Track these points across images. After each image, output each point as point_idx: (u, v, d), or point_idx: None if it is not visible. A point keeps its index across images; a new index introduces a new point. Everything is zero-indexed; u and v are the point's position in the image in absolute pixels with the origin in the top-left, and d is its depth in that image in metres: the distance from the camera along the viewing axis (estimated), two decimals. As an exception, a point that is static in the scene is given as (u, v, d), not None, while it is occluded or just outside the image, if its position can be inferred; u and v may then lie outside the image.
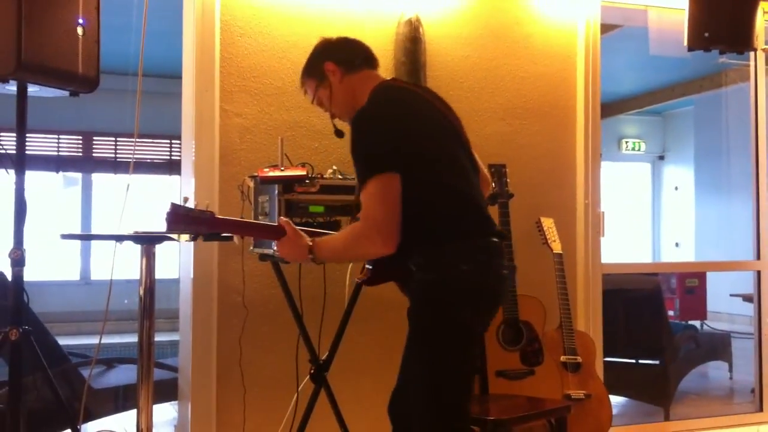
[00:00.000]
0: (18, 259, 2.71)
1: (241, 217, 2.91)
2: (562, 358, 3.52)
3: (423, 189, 2.21)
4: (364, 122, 2.29)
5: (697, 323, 8.58)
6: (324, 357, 3.10)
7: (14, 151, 2.74)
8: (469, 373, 2.34)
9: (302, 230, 2.37)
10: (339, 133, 2.68)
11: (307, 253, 2.31)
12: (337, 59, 2.52)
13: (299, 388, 3.25)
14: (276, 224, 2.42)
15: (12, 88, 2.70)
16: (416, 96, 2.44)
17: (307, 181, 2.88)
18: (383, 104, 2.34)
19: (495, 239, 2.33)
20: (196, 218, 2.25)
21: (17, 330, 2.68)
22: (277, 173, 2.87)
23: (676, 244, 11.87)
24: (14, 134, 2.75)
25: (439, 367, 2.24)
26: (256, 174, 2.93)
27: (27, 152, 2.79)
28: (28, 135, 2.80)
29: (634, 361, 5.28)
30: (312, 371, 3.08)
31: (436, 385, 2.24)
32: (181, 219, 2.23)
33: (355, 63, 2.52)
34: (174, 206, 2.23)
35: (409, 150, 2.24)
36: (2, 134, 2.88)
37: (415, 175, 2.20)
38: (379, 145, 2.24)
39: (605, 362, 4.12)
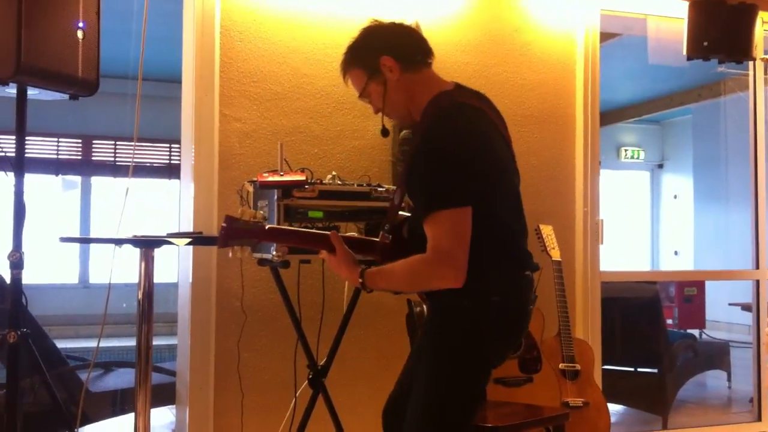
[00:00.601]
0: (17, 262, 2.70)
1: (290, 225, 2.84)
2: (561, 365, 3.52)
3: (477, 221, 2.10)
4: (437, 151, 2.12)
5: (695, 332, 8.59)
6: (322, 362, 3.10)
7: (14, 154, 2.74)
8: (476, 403, 2.28)
9: (350, 237, 2.32)
10: (385, 132, 2.50)
11: (357, 278, 2.22)
12: (396, 54, 2.26)
13: (297, 393, 3.25)
14: (321, 233, 2.33)
15: (12, 90, 2.70)
16: (485, 120, 2.27)
17: (306, 186, 2.87)
18: (456, 133, 2.14)
19: (529, 272, 2.29)
20: (251, 230, 2.18)
21: (15, 333, 2.68)
22: (277, 178, 2.86)
23: (675, 253, 11.87)
24: (14, 137, 2.75)
25: (449, 389, 2.21)
26: (255, 179, 2.93)
27: (26, 155, 2.79)
28: (27, 138, 2.80)
29: (632, 369, 5.28)
30: (310, 376, 3.08)
31: (441, 404, 2.21)
32: (237, 232, 2.16)
33: (416, 59, 2.29)
34: (229, 219, 2.15)
35: (477, 184, 2.12)
36: (2, 137, 2.88)
37: (475, 207, 2.10)
38: (452, 178, 2.09)
39: (603, 370, 4.12)
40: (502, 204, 2.23)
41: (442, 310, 2.28)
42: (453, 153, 2.11)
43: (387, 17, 3.45)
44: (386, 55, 2.26)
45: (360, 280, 2.22)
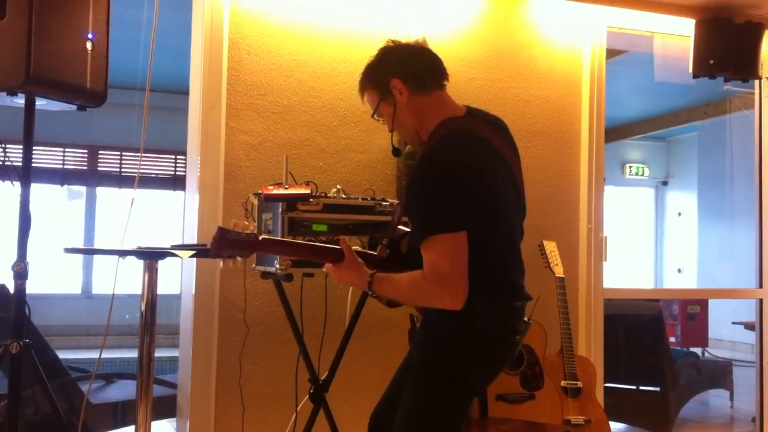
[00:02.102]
0: (21, 272, 2.70)
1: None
2: (563, 382, 3.50)
3: (471, 249, 2.12)
4: (434, 176, 2.16)
5: (698, 350, 8.56)
6: (324, 377, 3.09)
7: (20, 164, 2.75)
8: (453, 423, 2.28)
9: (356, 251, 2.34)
10: (395, 152, 2.55)
11: (366, 282, 2.25)
12: (405, 76, 2.30)
13: (298, 408, 3.24)
14: (328, 246, 2.37)
15: (20, 101, 2.71)
16: (486, 151, 2.27)
17: (310, 199, 2.88)
18: (452, 162, 2.17)
19: (519, 303, 2.31)
20: (243, 241, 2.19)
21: (18, 343, 2.68)
22: (281, 191, 2.87)
23: (679, 270, 11.85)
24: (21, 146, 2.76)
25: (426, 408, 2.25)
26: (260, 191, 2.94)
27: (32, 165, 2.80)
28: (34, 147, 2.81)
29: (634, 387, 5.26)
30: (311, 390, 3.08)
31: (418, 421, 2.26)
32: (229, 243, 2.17)
33: (426, 83, 2.32)
34: (222, 230, 2.16)
35: (472, 214, 2.14)
36: (9, 146, 2.89)
37: (469, 235, 2.12)
38: (449, 203, 2.13)
39: (606, 388, 4.10)
40: (494, 235, 2.23)
41: (428, 328, 2.33)
42: (448, 181, 2.14)
43: (394, 32, 3.47)
44: (396, 77, 2.30)
45: (369, 280, 2.25)
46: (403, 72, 2.32)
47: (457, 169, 2.16)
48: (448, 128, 2.27)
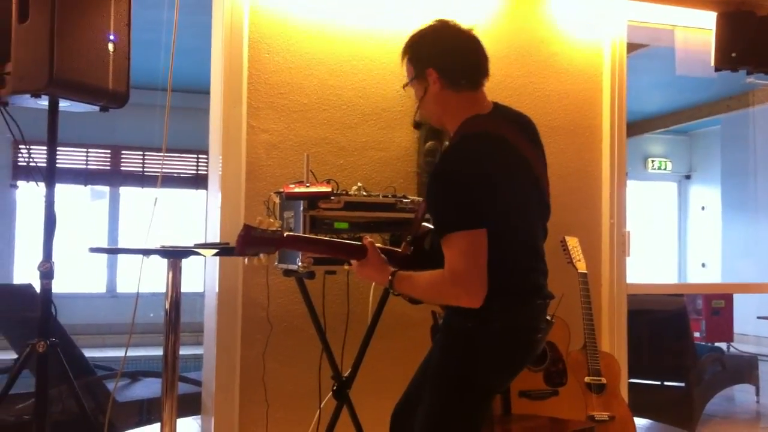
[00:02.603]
0: (47, 272, 2.73)
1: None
2: (587, 378, 3.49)
3: (490, 248, 2.12)
4: (454, 174, 2.18)
5: (723, 345, 8.50)
6: (347, 374, 3.10)
7: (45, 165, 2.78)
8: (473, 423, 2.28)
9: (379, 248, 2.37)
10: (417, 125, 2.57)
11: (387, 280, 2.28)
12: (442, 70, 2.32)
13: (321, 405, 3.25)
14: (352, 243, 2.39)
15: (44, 102, 2.74)
16: (507, 147, 2.29)
17: (332, 197, 2.89)
18: (470, 161, 2.19)
19: (541, 301, 2.31)
20: (269, 239, 2.23)
21: (45, 342, 2.71)
22: (303, 189, 2.88)
23: (703, 265, 11.76)
24: (45, 148, 2.79)
25: (446, 407, 2.26)
26: (281, 190, 2.95)
27: (56, 165, 2.83)
28: (57, 148, 2.84)
29: (659, 382, 5.23)
30: (334, 388, 3.09)
31: (438, 421, 2.26)
32: (254, 241, 2.20)
33: (460, 83, 2.34)
34: (247, 227, 2.20)
35: (491, 213, 2.15)
36: (33, 147, 2.92)
37: (489, 234, 2.13)
38: (468, 201, 2.14)
39: (630, 383, 4.08)
40: (513, 235, 2.23)
41: (448, 327, 2.34)
42: (467, 179, 2.16)
43: (413, 29, 3.47)
44: (433, 67, 2.32)
45: (390, 278, 2.27)
46: (442, 66, 2.33)
47: (474, 168, 2.18)
48: (469, 128, 2.29)
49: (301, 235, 2.48)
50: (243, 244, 2.19)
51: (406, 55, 2.43)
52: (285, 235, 2.25)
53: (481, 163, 2.20)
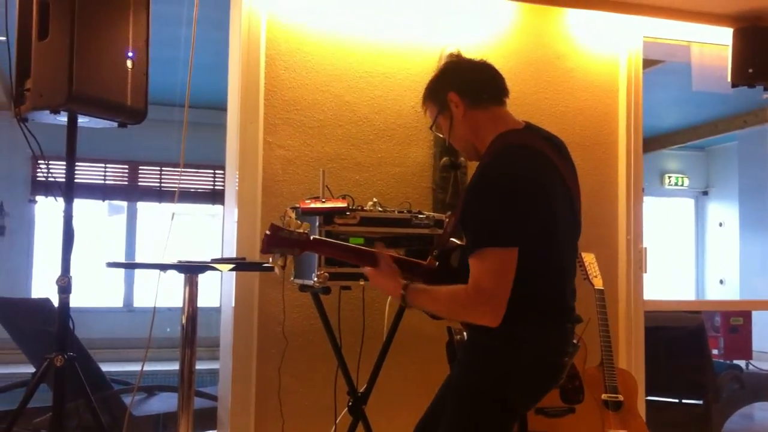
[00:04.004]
0: (65, 287, 2.75)
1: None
2: (603, 396, 3.47)
3: (523, 266, 2.09)
4: (492, 188, 2.14)
5: (741, 363, 8.41)
6: (362, 389, 3.10)
7: (63, 180, 2.80)
8: None
9: (396, 257, 2.38)
10: (455, 166, 2.57)
11: (399, 292, 2.26)
12: (461, 90, 2.33)
13: (337, 420, 3.25)
14: (376, 251, 2.39)
15: (63, 118, 2.77)
16: (545, 165, 2.25)
17: (347, 213, 2.90)
18: (511, 175, 2.15)
19: (569, 325, 2.28)
20: (294, 240, 2.26)
21: (62, 356, 2.72)
22: (318, 205, 2.89)
23: (721, 281, 11.67)
24: (63, 163, 2.81)
25: (468, 427, 2.22)
26: (297, 205, 2.96)
27: (75, 180, 2.85)
28: (76, 164, 2.86)
29: (676, 400, 5.18)
30: (350, 403, 3.08)
31: None
32: (280, 241, 2.24)
33: (482, 98, 2.34)
34: (274, 227, 2.24)
35: (528, 230, 2.12)
36: (52, 163, 2.95)
37: (523, 252, 2.10)
38: (504, 217, 2.11)
39: (647, 401, 4.05)
40: (547, 253, 2.20)
41: (474, 346, 2.31)
42: (506, 194, 2.12)
43: (430, 44, 3.49)
44: (453, 91, 2.33)
45: (402, 293, 2.25)
46: (460, 86, 2.34)
47: (515, 183, 2.14)
48: (507, 141, 2.27)
49: (326, 239, 2.48)
50: (269, 243, 2.22)
51: (426, 100, 2.45)
52: (312, 238, 2.28)
53: (523, 176, 2.16)
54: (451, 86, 2.35)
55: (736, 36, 4.06)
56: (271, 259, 2.40)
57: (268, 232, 2.22)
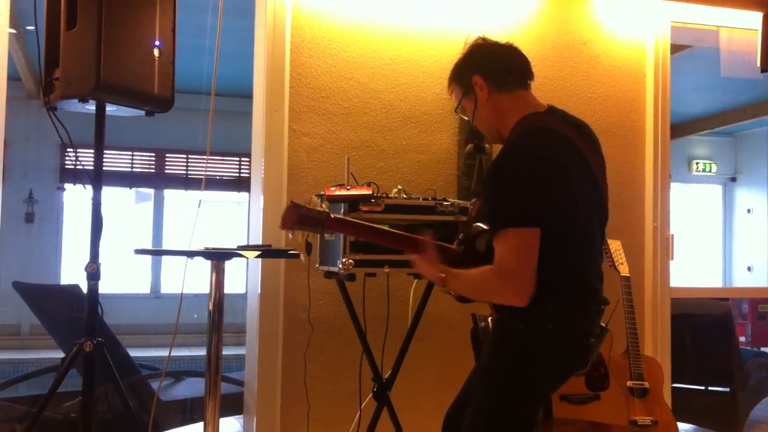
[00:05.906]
0: (94, 273, 2.78)
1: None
2: (629, 383, 3.46)
3: (546, 247, 2.10)
4: (513, 169, 2.16)
5: (769, 350, 8.34)
6: (387, 375, 3.12)
7: (92, 168, 2.83)
8: (523, 425, 2.25)
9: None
10: (478, 149, 2.58)
11: (440, 278, 2.27)
12: (486, 73, 2.34)
13: (362, 406, 3.27)
14: (395, 232, 2.41)
15: (91, 107, 2.79)
16: (568, 148, 2.25)
17: (372, 200, 2.90)
18: (533, 156, 2.16)
19: (595, 306, 2.28)
20: (314, 218, 2.28)
21: (91, 342, 2.76)
22: (343, 192, 2.90)
23: (749, 269, 11.55)
24: (92, 151, 2.84)
25: (494, 408, 2.23)
26: (322, 192, 2.97)
27: (103, 168, 2.88)
28: (104, 152, 2.88)
29: (703, 387, 5.15)
30: (375, 389, 3.10)
31: (486, 422, 2.23)
32: (301, 218, 2.25)
33: (507, 80, 2.35)
34: (294, 204, 2.25)
35: (549, 211, 2.13)
36: (80, 151, 2.97)
37: (545, 233, 2.10)
38: (525, 198, 2.12)
39: (673, 388, 4.03)
40: (571, 235, 2.19)
41: (500, 328, 2.32)
42: (527, 175, 2.13)
43: (455, 30, 3.47)
44: (477, 74, 2.35)
45: (442, 276, 2.26)
46: (485, 69, 2.36)
47: (536, 163, 2.15)
48: (530, 124, 2.27)
49: (347, 218, 2.49)
50: (288, 219, 2.24)
51: (451, 83, 2.47)
52: (332, 216, 2.29)
53: (546, 157, 2.16)
54: (476, 69, 2.36)
55: (766, 20, 4.00)
56: (290, 235, 2.40)
57: (287, 208, 2.24)
